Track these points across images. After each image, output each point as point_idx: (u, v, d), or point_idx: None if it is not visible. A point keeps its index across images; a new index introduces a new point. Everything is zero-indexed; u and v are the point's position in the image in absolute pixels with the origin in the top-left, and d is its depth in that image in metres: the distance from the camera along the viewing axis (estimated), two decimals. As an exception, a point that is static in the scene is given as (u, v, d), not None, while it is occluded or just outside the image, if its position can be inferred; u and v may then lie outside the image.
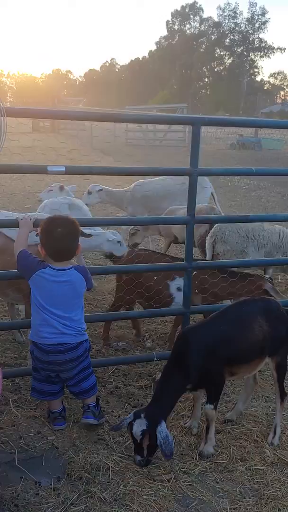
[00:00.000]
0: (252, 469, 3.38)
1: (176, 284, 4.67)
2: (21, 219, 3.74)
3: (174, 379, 3.39)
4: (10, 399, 4.01)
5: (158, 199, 8.01)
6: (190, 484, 3.22)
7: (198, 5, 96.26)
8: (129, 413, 3.44)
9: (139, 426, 3.25)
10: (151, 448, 3.28)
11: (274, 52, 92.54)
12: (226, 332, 3.48)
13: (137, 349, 5.08)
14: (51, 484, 3.16)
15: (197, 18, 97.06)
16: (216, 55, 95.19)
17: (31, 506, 2.95)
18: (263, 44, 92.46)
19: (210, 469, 3.37)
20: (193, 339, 3.47)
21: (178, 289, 4.65)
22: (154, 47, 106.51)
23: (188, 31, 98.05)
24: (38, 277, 3.42)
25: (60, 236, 3.41)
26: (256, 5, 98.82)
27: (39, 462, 3.37)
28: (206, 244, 6.05)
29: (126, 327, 5.54)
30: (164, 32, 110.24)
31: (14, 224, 3.80)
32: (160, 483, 3.21)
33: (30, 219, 3.73)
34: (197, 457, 3.46)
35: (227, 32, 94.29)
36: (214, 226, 5.94)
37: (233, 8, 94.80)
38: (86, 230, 4.48)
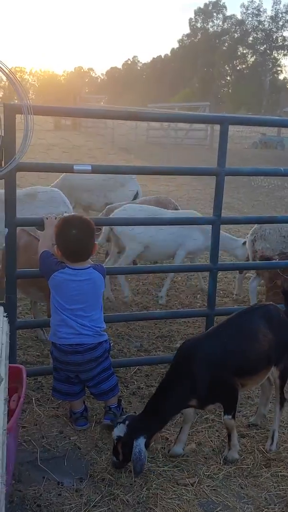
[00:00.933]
0: (278, 475, 3.32)
1: None
2: (46, 218, 3.74)
3: (174, 394, 3.25)
4: (33, 398, 4.00)
5: (79, 192, 8.12)
6: (214, 489, 3.17)
7: (221, 3, 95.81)
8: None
9: (118, 430, 3.18)
10: (127, 455, 3.15)
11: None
12: (232, 344, 3.37)
13: (159, 349, 5.04)
14: (73, 485, 3.14)
15: (220, 16, 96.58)
16: (239, 53, 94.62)
17: (54, 507, 2.94)
18: (286, 43, 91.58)
19: (235, 474, 3.32)
20: (199, 352, 3.35)
21: None
22: (176, 45, 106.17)
23: (211, 29, 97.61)
24: (57, 278, 3.43)
25: (75, 238, 3.42)
26: (280, 3, 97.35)
27: (62, 462, 3.35)
28: (247, 242, 6.15)
29: (148, 327, 5.50)
30: (187, 30, 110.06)
31: (39, 223, 3.80)
32: (183, 487, 3.17)
33: (55, 218, 3.72)
34: (222, 462, 3.42)
35: (250, 30, 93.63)
36: (255, 226, 6.05)
37: (257, 6, 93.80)
38: None
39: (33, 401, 3.97)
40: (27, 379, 4.20)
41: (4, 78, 3.45)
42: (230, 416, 3.35)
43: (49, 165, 3.77)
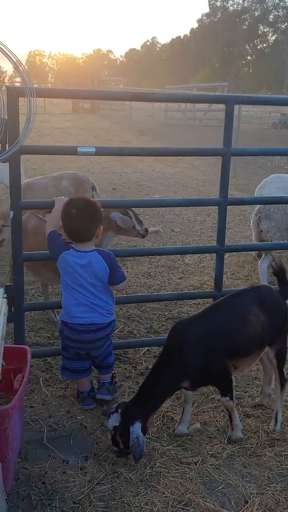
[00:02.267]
0: (281, 454, 3.33)
1: None
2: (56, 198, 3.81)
3: (166, 376, 3.23)
4: (41, 378, 4.06)
5: None
6: (217, 468, 3.20)
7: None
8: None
9: (113, 421, 3.15)
10: (127, 443, 3.12)
11: None
12: (223, 325, 3.35)
13: (168, 331, 5.05)
14: (78, 463, 3.20)
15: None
16: (260, 32, 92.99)
17: (58, 484, 2.99)
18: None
19: (238, 453, 3.35)
20: (189, 333, 3.33)
21: None
22: (195, 25, 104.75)
23: (231, 8, 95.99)
24: (63, 259, 3.47)
25: (75, 218, 3.43)
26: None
27: (68, 441, 3.41)
28: (251, 222, 6.15)
29: (159, 309, 5.53)
30: (206, 9, 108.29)
31: (45, 205, 3.82)
32: (187, 466, 3.20)
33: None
34: (226, 441, 3.44)
35: (271, 8, 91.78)
36: (259, 205, 6.01)
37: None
38: None
39: (41, 381, 4.03)
40: (37, 360, 4.31)
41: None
42: (227, 398, 3.34)
43: (53, 148, 3.77)
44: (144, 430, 3.13)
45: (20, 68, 3.37)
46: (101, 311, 3.51)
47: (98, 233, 3.53)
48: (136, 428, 3.07)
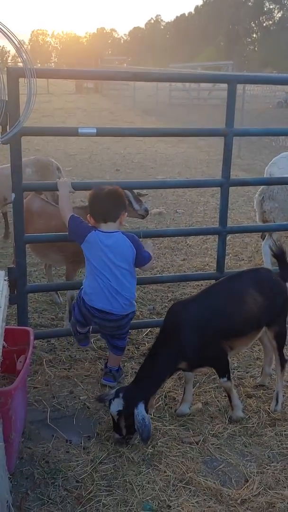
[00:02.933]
0: (282, 434, 3.37)
1: None
2: (59, 180, 3.81)
3: (163, 358, 3.25)
4: (44, 359, 4.09)
5: None
6: (218, 447, 3.24)
7: None
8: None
9: (116, 406, 3.15)
10: (129, 428, 3.15)
11: None
12: (219, 307, 3.37)
13: (171, 312, 5.08)
14: (81, 443, 3.24)
15: None
16: (265, 9, 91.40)
17: (61, 463, 3.04)
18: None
19: (239, 433, 3.38)
20: (185, 314, 3.34)
21: None
22: (200, 2, 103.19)
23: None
24: (90, 239, 3.47)
25: (104, 198, 3.49)
26: None
27: (71, 421, 3.45)
28: (255, 203, 6.16)
29: (162, 290, 5.54)
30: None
31: (53, 187, 3.81)
32: (188, 445, 3.25)
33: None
34: (227, 421, 3.47)
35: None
36: (263, 186, 6.02)
37: None
38: None
39: (45, 362, 4.06)
40: (40, 341, 4.34)
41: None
42: (225, 379, 3.36)
43: (53, 129, 3.75)
44: (146, 412, 3.14)
45: (20, 48, 3.35)
46: (121, 300, 3.51)
47: (122, 219, 3.56)
48: (141, 409, 3.08)
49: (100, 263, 3.47)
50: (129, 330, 4.48)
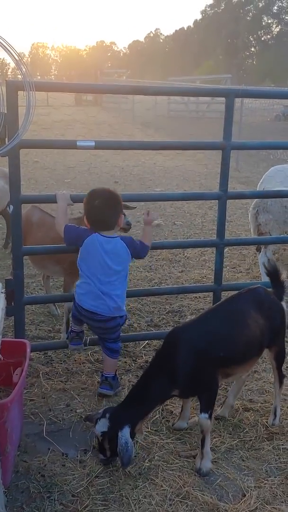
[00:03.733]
0: (280, 448, 3.34)
1: None
2: (58, 192, 3.85)
3: (156, 383, 3.10)
4: (41, 372, 4.07)
5: None
6: (215, 461, 3.21)
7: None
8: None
9: (101, 426, 3.05)
10: (114, 450, 3.02)
11: None
12: (220, 332, 3.21)
13: (169, 324, 5.07)
14: (77, 456, 3.21)
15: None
16: (264, 23, 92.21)
17: (57, 477, 3.01)
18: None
19: (237, 447, 3.36)
20: (183, 339, 3.18)
21: None
22: (199, 17, 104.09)
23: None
24: (90, 240, 3.51)
25: (98, 207, 3.52)
26: None
27: (67, 434, 3.43)
28: (250, 216, 6.16)
29: (160, 302, 5.54)
30: (210, 1, 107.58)
31: (52, 199, 3.83)
32: (185, 459, 3.22)
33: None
34: (226, 436, 3.45)
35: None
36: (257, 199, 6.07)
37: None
38: None
39: (42, 375, 4.05)
40: (37, 353, 4.32)
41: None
42: (206, 415, 3.08)
43: (52, 142, 3.77)
44: (132, 436, 3.02)
45: (20, 61, 3.37)
46: (109, 303, 3.55)
47: (119, 222, 3.60)
48: (125, 433, 2.97)
49: (95, 266, 3.52)
50: (127, 343, 4.51)
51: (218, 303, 3.54)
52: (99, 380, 3.91)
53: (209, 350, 3.13)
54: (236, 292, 3.57)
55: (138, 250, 3.66)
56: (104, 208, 3.52)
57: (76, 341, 3.89)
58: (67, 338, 3.98)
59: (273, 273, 3.63)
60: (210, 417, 3.09)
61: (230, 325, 3.26)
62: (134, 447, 3.12)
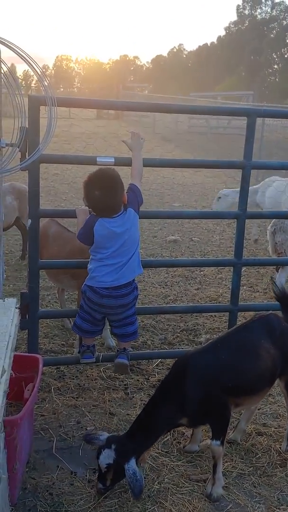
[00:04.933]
0: (293, 475, 3.28)
1: None
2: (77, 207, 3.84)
3: (163, 411, 3.01)
4: (53, 387, 4.05)
5: None
6: (226, 487, 3.15)
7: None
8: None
9: (106, 458, 2.91)
10: (114, 480, 2.97)
11: None
12: (230, 362, 3.12)
13: (183, 343, 5.03)
14: (86, 475, 3.18)
15: (269, 2, 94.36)
16: (287, 41, 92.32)
17: (65, 496, 2.98)
18: None
19: (249, 472, 3.29)
20: (192, 367, 3.11)
21: None
22: (223, 33, 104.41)
23: (259, 16, 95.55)
24: (100, 224, 3.45)
25: (100, 197, 3.43)
26: None
27: (77, 452, 3.39)
28: (268, 234, 6.21)
29: (174, 320, 5.50)
30: (234, 17, 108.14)
31: (70, 214, 3.84)
32: (196, 483, 3.17)
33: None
34: (238, 460, 3.39)
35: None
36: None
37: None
38: None
39: (53, 390, 4.02)
40: (50, 367, 4.31)
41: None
42: (218, 442, 3.02)
43: (72, 157, 3.78)
44: (137, 466, 2.92)
45: (42, 76, 3.39)
46: (132, 265, 3.53)
47: (124, 199, 3.54)
48: (132, 464, 2.87)
49: (112, 245, 3.46)
50: (140, 360, 4.48)
51: (229, 330, 3.45)
52: (116, 349, 3.96)
53: (218, 379, 3.06)
54: (249, 314, 3.51)
55: (137, 203, 3.62)
56: (106, 197, 3.43)
57: (88, 354, 3.85)
58: (79, 352, 3.95)
59: (283, 297, 3.56)
60: (222, 443, 3.04)
61: (240, 356, 3.18)
62: (144, 470, 3.08)
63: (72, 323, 5.13)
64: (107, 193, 3.43)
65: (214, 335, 5.16)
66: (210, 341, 3.32)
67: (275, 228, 6.05)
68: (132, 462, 2.88)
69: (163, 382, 3.18)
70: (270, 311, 3.51)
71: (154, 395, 3.13)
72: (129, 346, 3.91)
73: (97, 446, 3.03)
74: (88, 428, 3.62)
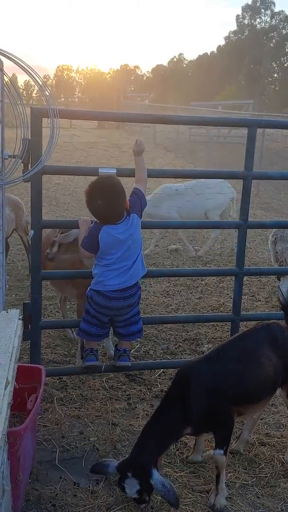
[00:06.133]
0: (296, 486, 3.27)
1: None
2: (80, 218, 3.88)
3: (168, 422, 2.99)
4: (55, 397, 4.05)
5: None
6: (229, 497, 3.14)
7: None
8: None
9: (132, 487, 2.87)
10: (149, 493, 2.93)
11: None
12: (233, 371, 3.13)
13: (185, 352, 5.03)
14: (89, 487, 3.17)
15: (268, 12, 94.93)
16: (287, 50, 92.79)
17: (68, 508, 2.97)
18: None
19: (252, 483, 3.29)
20: (195, 376, 3.10)
21: None
22: (223, 42, 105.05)
23: (258, 26, 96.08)
24: (104, 232, 3.48)
25: (103, 205, 3.46)
26: None
27: (80, 463, 3.39)
28: (269, 243, 6.27)
29: (176, 329, 5.50)
30: (234, 27, 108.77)
31: (72, 224, 3.87)
32: (199, 494, 3.16)
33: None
34: (241, 471, 3.38)
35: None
36: None
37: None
38: None
39: (56, 400, 4.02)
40: (52, 378, 4.30)
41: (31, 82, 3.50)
42: (222, 451, 3.03)
43: (74, 168, 3.81)
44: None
45: (43, 86, 3.42)
46: (137, 267, 3.60)
47: (127, 205, 3.57)
48: (156, 477, 2.84)
49: (117, 251, 3.50)
50: (142, 370, 4.49)
51: (231, 338, 3.45)
52: (114, 351, 4.00)
53: (222, 387, 3.07)
54: (251, 324, 3.51)
55: (140, 207, 3.66)
56: (109, 205, 3.46)
57: (91, 357, 3.87)
58: (81, 358, 3.97)
59: (287, 306, 3.56)
60: (225, 453, 3.04)
61: (243, 364, 3.18)
62: (168, 477, 3.10)
63: (73, 332, 5.17)
64: (109, 202, 3.46)
65: (216, 345, 5.16)
66: (212, 349, 3.33)
67: (275, 238, 6.09)
68: (155, 474, 2.86)
69: (167, 393, 3.15)
70: (273, 320, 3.51)
71: (159, 407, 3.10)
72: (128, 346, 4.01)
73: (107, 475, 3.05)
74: (91, 439, 3.61)
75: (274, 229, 6.15)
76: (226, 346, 3.32)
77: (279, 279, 6.17)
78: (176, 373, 3.26)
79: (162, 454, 3.09)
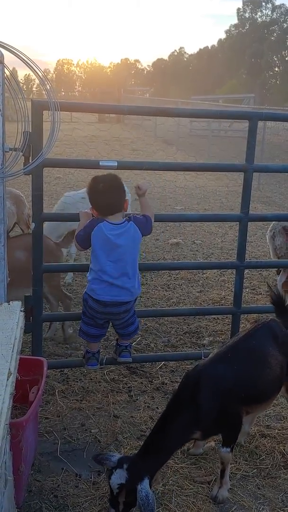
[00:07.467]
0: (297, 477, 3.28)
1: None
2: (81, 210, 3.88)
3: (177, 426, 2.91)
4: (57, 390, 4.07)
5: None
6: (230, 488, 3.16)
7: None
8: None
9: (118, 478, 2.76)
10: (128, 505, 2.79)
11: None
12: (244, 372, 3.09)
13: (186, 345, 5.04)
14: (91, 478, 3.19)
15: (269, 5, 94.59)
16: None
17: (70, 498, 2.99)
18: None
19: (253, 474, 3.31)
20: (205, 379, 3.03)
21: None
22: (223, 36, 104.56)
23: (259, 19, 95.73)
24: (98, 229, 3.47)
25: (105, 191, 3.51)
26: None
27: (81, 455, 3.41)
28: (267, 238, 6.23)
29: (177, 322, 5.51)
30: (235, 21, 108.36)
31: (73, 217, 3.87)
32: (200, 485, 3.18)
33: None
34: (242, 462, 3.40)
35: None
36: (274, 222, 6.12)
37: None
38: None
39: (57, 392, 4.04)
40: (54, 370, 4.32)
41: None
42: (228, 449, 3.05)
43: (75, 161, 3.80)
44: (150, 486, 2.80)
45: (45, 80, 3.41)
46: (129, 287, 3.55)
47: (125, 206, 3.60)
48: (145, 486, 2.73)
49: (105, 253, 3.47)
50: (143, 363, 4.50)
51: (235, 338, 3.38)
52: (117, 349, 3.96)
53: (233, 389, 3.03)
54: (253, 317, 3.52)
55: (144, 228, 3.62)
56: (109, 191, 3.52)
57: (93, 361, 3.87)
58: (83, 357, 3.97)
59: (278, 301, 3.57)
60: (231, 450, 3.07)
61: (252, 364, 3.16)
62: (157, 492, 3.06)
63: (71, 329, 5.18)
64: (110, 188, 3.52)
65: (217, 338, 5.19)
66: (217, 350, 3.26)
67: (274, 232, 6.08)
68: (146, 483, 2.75)
69: (175, 396, 3.06)
70: (271, 317, 3.51)
71: (166, 411, 3.01)
72: (128, 342, 4.00)
73: (108, 467, 2.92)
74: (92, 431, 3.64)
75: (272, 224, 6.14)
76: (233, 347, 3.24)
77: (278, 273, 6.18)
78: (184, 376, 3.15)
79: (165, 462, 3.00)
